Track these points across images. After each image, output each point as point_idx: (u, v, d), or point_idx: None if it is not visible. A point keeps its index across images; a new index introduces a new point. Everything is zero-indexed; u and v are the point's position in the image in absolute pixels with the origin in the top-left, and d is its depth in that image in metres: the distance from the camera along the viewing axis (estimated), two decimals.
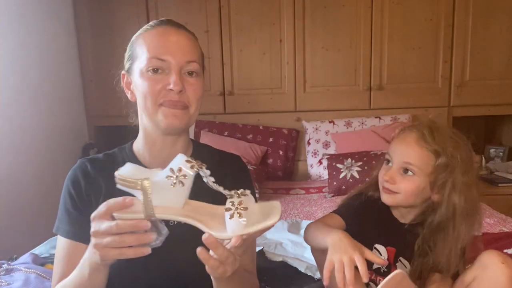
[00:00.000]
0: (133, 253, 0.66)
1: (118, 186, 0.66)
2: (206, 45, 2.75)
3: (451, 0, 2.60)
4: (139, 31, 0.92)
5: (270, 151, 2.72)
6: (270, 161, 2.72)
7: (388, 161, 1.03)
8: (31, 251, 1.59)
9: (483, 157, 2.75)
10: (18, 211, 2.15)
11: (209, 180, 0.68)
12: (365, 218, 1.07)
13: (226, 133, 2.75)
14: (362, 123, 2.69)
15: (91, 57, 2.82)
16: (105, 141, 2.92)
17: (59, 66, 2.64)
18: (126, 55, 0.93)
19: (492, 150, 2.86)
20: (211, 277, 0.77)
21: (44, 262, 1.48)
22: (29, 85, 2.33)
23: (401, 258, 1.04)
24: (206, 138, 2.70)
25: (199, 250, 0.67)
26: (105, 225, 0.66)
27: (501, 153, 2.83)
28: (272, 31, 2.72)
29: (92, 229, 0.67)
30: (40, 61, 2.43)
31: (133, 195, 0.67)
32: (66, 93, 2.69)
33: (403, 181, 0.99)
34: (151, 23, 0.91)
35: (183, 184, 0.65)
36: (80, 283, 0.76)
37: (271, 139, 2.74)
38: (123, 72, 0.94)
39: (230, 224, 0.64)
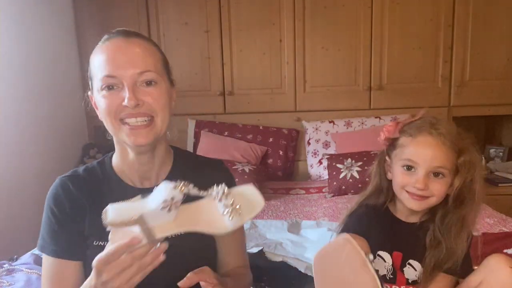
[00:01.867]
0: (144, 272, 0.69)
1: (109, 228, 0.69)
2: (206, 45, 2.76)
3: (451, 0, 2.60)
4: (95, 48, 0.88)
5: (270, 151, 2.72)
6: (270, 161, 2.72)
7: (409, 167, 0.98)
8: (32, 251, 1.59)
9: (483, 157, 2.75)
10: (19, 211, 2.15)
11: (194, 192, 0.71)
12: (367, 228, 1.03)
13: (226, 133, 2.75)
14: (362, 123, 2.69)
15: None
16: (105, 141, 2.92)
17: (59, 66, 2.63)
18: (87, 74, 0.90)
19: (492, 150, 2.86)
20: None
21: None
22: (29, 85, 2.33)
23: (410, 261, 1.02)
24: (206, 138, 2.70)
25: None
26: (113, 265, 0.67)
27: (501, 153, 2.83)
28: (272, 31, 2.72)
29: (104, 279, 0.68)
30: (40, 61, 2.43)
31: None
32: (66, 93, 2.69)
33: (435, 184, 0.96)
34: (103, 37, 0.87)
35: (177, 207, 0.70)
36: None
37: (271, 139, 2.74)
38: (89, 93, 0.90)
39: (232, 223, 0.71)
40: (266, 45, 2.74)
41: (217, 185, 0.73)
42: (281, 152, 2.72)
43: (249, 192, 0.76)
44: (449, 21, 2.62)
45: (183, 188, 0.69)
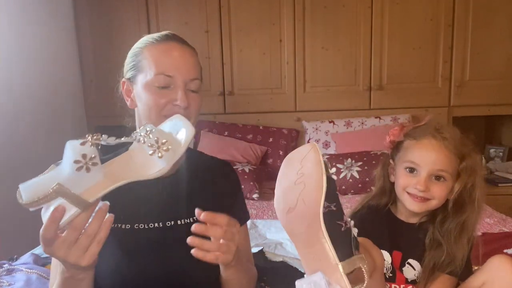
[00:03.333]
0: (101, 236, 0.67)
1: (32, 209, 0.63)
2: (206, 45, 2.76)
3: (451, 0, 2.60)
4: (143, 42, 0.93)
5: (270, 151, 2.72)
6: (270, 161, 2.72)
7: (412, 170, 0.99)
8: (31, 251, 1.59)
9: (483, 157, 2.75)
10: (19, 211, 2.15)
11: (112, 141, 0.66)
12: (368, 228, 1.03)
13: (226, 133, 2.75)
14: (362, 123, 2.69)
15: (91, 57, 2.82)
16: None
17: (59, 66, 2.63)
18: (129, 64, 0.94)
19: (492, 150, 2.86)
20: (220, 267, 0.82)
21: (45, 262, 1.48)
22: (29, 85, 2.33)
23: (409, 261, 1.03)
24: (206, 138, 2.70)
25: (194, 252, 0.72)
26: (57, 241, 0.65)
27: (501, 153, 2.83)
28: (272, 31, 2.72)
29: (60, 258, 0.67)
30: (40, 61, 2.43)
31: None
32: (66, 93, 2.69)
33: (436, 187, 0.97)
34: (155, 36, 0.94)
35: (95, 164, 0.63)
36: None
37: (271, 139, 2.74)
38: (123, 79, 0.95)
39: (163, 161, 0.66)
40: (266, 45, 2.74)
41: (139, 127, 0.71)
42: (281, 152, 2.72)
43: (174, 123, 0.73)
44: (449, 21, 2.62)
45: (92, 141, 0.63)
